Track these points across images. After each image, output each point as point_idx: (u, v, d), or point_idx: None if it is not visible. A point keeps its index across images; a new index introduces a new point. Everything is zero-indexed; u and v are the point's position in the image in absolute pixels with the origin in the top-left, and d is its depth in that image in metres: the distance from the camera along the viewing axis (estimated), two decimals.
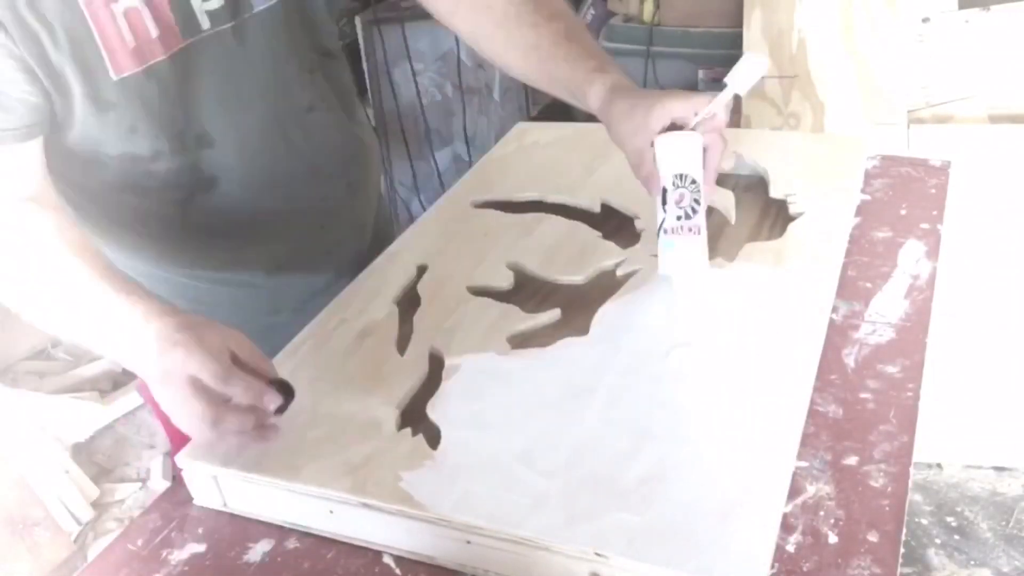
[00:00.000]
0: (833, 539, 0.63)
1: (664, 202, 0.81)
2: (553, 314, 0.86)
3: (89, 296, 0.73)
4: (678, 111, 0.80)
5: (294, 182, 0.92)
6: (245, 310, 0.96)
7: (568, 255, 0.94)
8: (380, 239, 1.06)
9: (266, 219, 0.92)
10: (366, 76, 2.63)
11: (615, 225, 1.01)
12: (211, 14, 0.80)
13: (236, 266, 0.94)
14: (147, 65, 0.78)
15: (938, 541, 1.74)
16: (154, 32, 0.77)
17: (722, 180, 1.06)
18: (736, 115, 1.83)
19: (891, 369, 0.78)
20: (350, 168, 1.00)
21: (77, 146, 0.81)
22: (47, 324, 0.76)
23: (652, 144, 0.80)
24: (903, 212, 1.02)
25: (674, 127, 0.80)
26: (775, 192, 1.01)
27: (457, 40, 2.61)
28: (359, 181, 1.02)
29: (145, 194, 0.85)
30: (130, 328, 0.70)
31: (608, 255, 0.93)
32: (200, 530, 0.72)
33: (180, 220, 0.88)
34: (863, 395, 0.76)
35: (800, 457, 0.69)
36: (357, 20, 2.60)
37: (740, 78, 0.83)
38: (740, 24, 1.77)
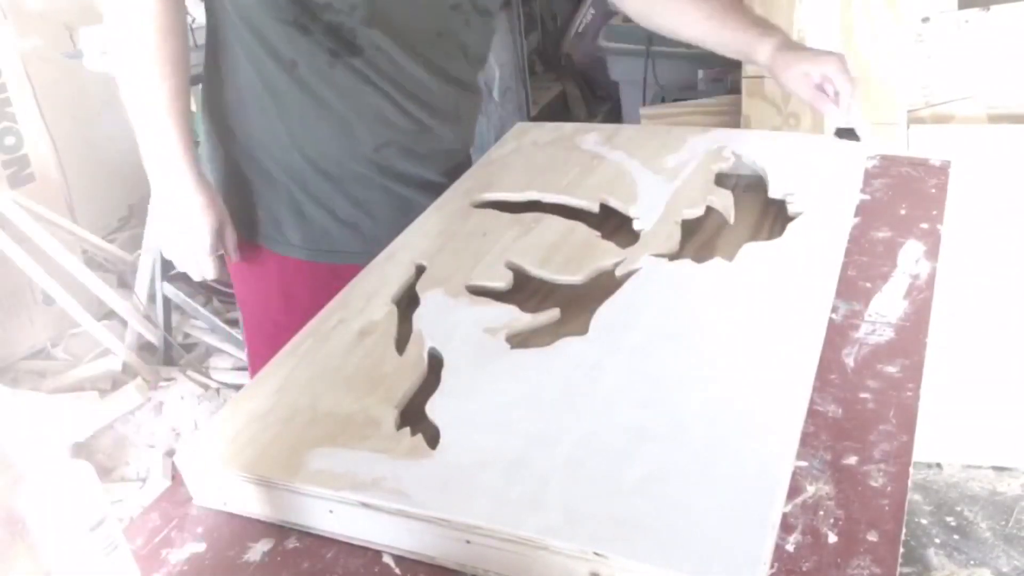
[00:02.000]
0: (833, 539, 0.63)
1: None
2: (552, 314, 0.86)
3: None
4: (827, 71, 1.07)
5: (433, 76, 1.08)
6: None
7: (567, 255, 0.94)
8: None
9: (395, 101, 1.07)
10: None
11: (614, 225, 1.01)
12: None
13: (355, 131, 1.08)
14: None
15: (937, 541, 1.74)
16: None
17: (721, 180, 1.06)
18: (736, 115, 1.83)
19: (891, 369, 0.78)
20: (477, 73, 1.19)
21: None
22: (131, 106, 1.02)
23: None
24: (903, 212, 1.02)
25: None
26: (774, 192, 1.01)
27: None
28: (477, 88, 1.22)
29: (306, 34, 1.00)
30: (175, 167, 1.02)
31: (607, 255, 0.93)
32: (200, 529, 0.72)
33: (327, 73, 1.03)
34: (863, 395, 0.76)
35: (800, 457, 0.69)
36: None
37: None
38: None
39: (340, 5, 0.98)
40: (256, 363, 1.26)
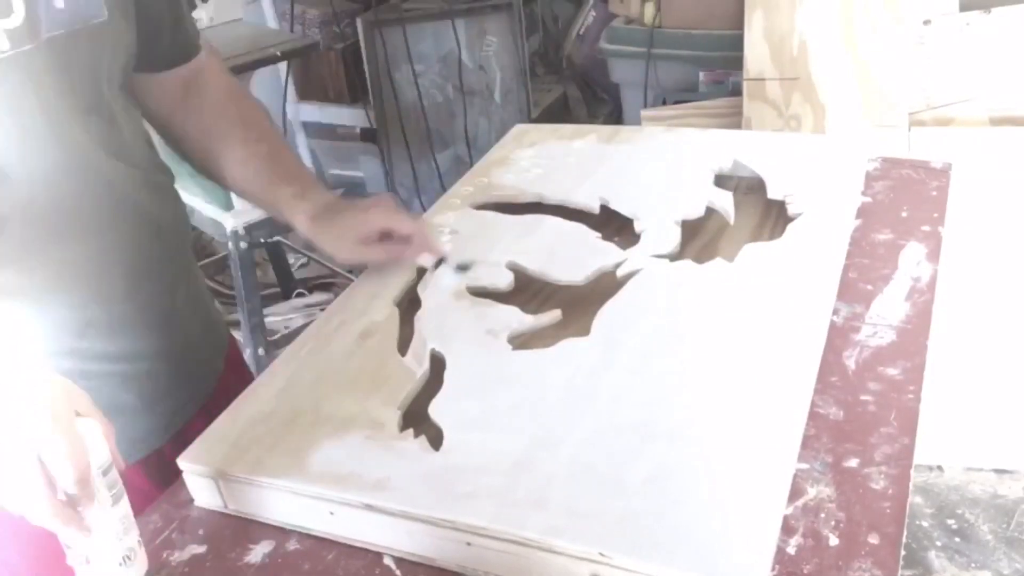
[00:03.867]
0: (834, 541, 0.63)
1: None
2: (554, 315, 0.86)
3: None
4: (380, 223, 0.90)
5: (96, 225, 0.80)
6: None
7: (568, 256, 0.94)
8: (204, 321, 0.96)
9: (68, 265, 0.78)
10: (367, 78, 2.64)
11: (615, 226, 1.01)
12: (10, 33, 0.69)
13: (41, 325, 0.79)
14: None
15: (939, 543, 1.74)
16: None
17: (722, 181, 1.06)
18: (736, 117, 1.83)
19: (892, 371, 0.78)
20: (152, 210, 0.86)
21: None
22: None
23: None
24: (904, 214, 1.02)
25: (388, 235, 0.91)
26: (774, 193, 1.01)
27: (458, 42, 2.62)
28: (165, 225, 0.88)
29: None
30: None
31: (608, 256, 0.93)
32: (201, 531, 0.72)
33: None
34: (864, 397, 0.76)
35: (801, 459, 0.69)
36: (358, 21, 2.61)
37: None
38: (741, 26, 1.78)
39: None
40: None
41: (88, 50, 0.77)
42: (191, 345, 0.91)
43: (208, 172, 0.97)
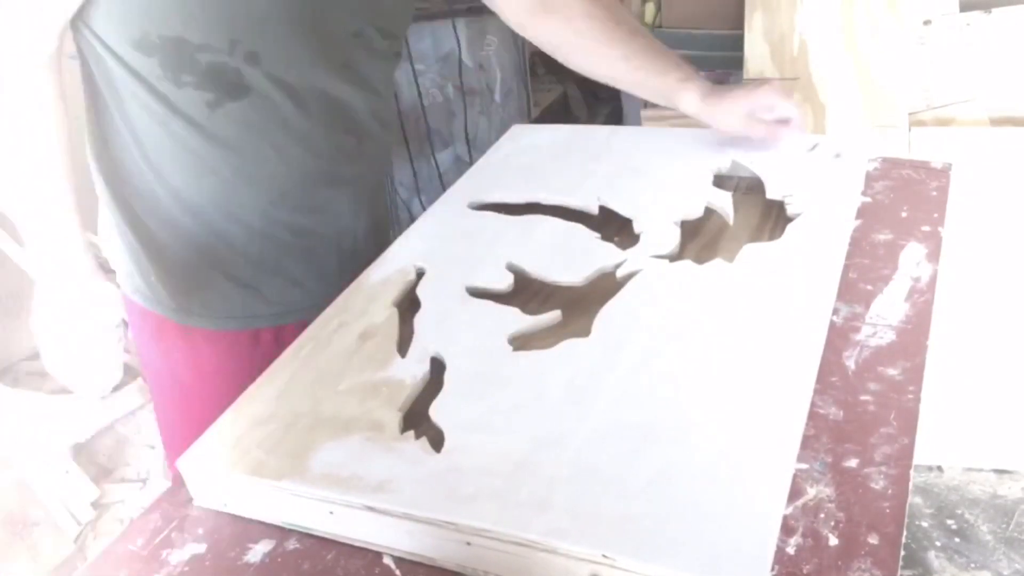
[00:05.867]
0: (833, 541, 0.63)
1: None
2: (554, 316, 0.86)
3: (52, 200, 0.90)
4: (769, 99, 1.02)
5: (322, 110, 0.95)
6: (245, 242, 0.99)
7: (567, 257, 0.94)
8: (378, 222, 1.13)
9: (284, 150, 0.95)
10: None
11: (614, 227, 1.01)
12: None
13: (242, 186, 0.95)
14: None
15: (938, 544, 1.74)
16: None
17: (721, 182, 1.06)
18: None
19: (892, 371, 0.78)
20: (380, 105, 1.02)
21: (124, 23, 0.85)
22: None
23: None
24: (904, 214, 1.02)
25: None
26: (774, 193, 1.01)
27: (458, 41, 2.62)
28: (383, 122, 1.04)
29: (180, 86, 0.88)
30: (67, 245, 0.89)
31: (608, 256, 0.93)
32: (200, 531, 0.72)
33: (206, 123, 0.91)
34: (863, 397, 0.76)
35: (800, 459, 0.69)
36: None
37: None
38: (741, 26, 1.77)
39: (219, 43, 0.86)
40: (167, 433, 1.14)
41: None
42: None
43: (576, 66, 1.11)
